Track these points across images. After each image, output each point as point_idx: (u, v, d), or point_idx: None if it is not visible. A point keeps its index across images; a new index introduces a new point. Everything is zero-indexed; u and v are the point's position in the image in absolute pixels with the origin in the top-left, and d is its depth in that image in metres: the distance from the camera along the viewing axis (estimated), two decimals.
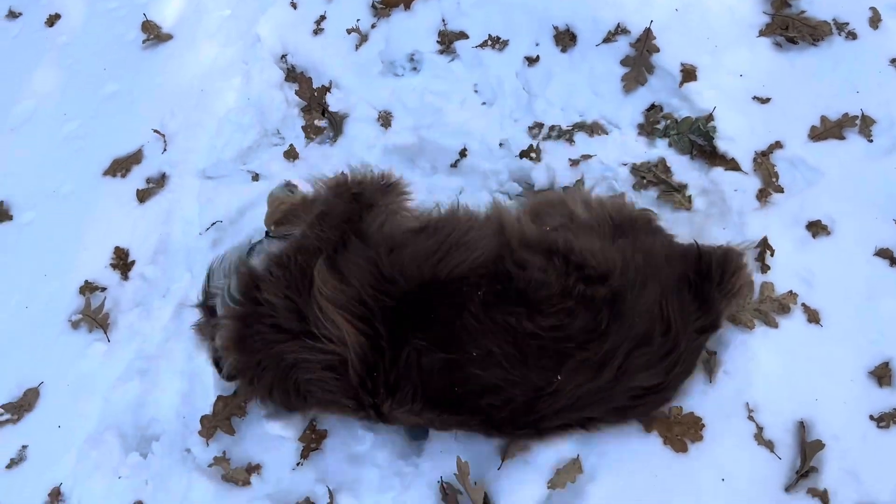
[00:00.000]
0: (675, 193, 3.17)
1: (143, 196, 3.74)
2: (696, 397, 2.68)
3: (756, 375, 2.71)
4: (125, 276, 3.48)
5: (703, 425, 2.62)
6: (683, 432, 2.62)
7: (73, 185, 3.86)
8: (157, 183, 3.77)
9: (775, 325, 2.76)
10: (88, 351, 3.26)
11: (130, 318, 3.35)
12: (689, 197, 3.16)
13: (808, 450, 2.57)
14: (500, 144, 3.51)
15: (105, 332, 3.30)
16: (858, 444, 2.56)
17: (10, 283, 3.60)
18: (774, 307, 2.79)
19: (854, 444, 2.56)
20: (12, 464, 3.04)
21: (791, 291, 2.82)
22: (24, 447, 3.07)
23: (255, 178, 3.74)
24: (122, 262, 3.51)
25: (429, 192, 3.47)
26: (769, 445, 2.61)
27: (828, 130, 3.14)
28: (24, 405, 3.16)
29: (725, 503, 2.53)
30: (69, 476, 2.97)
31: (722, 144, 3.24)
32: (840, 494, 2.49)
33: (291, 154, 3.80)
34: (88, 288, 3.44)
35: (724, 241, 2.84)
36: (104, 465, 2.96)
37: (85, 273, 3.50)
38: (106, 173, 3.85)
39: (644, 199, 3.19)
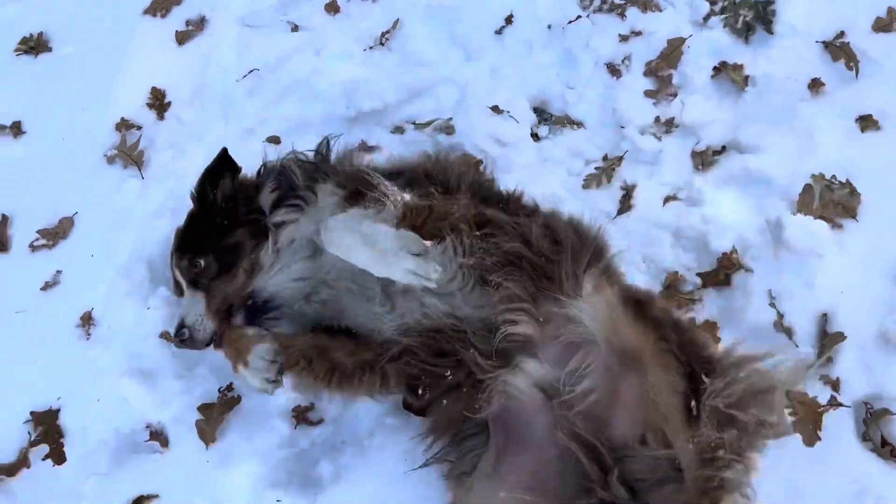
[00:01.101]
0: (731, 71, 3.09)
1: (181, 38, 3.70)
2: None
3: (782, 263, 2.70)
4: (161, 117, 3.49)
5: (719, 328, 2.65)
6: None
7: (113, 22, 3.81)
8: (196, 26, 3.72)
9: (840, 228, 2.73)
10: (123, 186, 3.31)
11: (164, 158, 3.37)
12: (746, 77, 3.07)
13: (828, 340, 2.58)
14: (549, 27, 3.42)
15: (139, 170, 3.33)
16: (876, 339, 2.57)
17: (47, 114, 3.61)
18: (838, 211, 2.75)
19: (871, 339, 2.57)
20: (47, 287, 3.14)
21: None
22: (59, 272, 3.16)
23: (295, 28, 3.67)
24: (159, 102, 3.51)
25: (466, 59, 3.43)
26: (788, 332, 2.62)
27: (894, 22, 3.00)
28: (59, 232, 3.23)
29: None
30: (100, 303, 3.06)
31: (780, 29, 3.12)
32: (852, 384, 2.52)
33: (332, 7, 3.71)
34: (125, 125, 3.45)
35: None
36: (134, 295, 3.05)
37: (121, 110, 3.51)
38: (146, 12, 3.80)
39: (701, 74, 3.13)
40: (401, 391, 2.47)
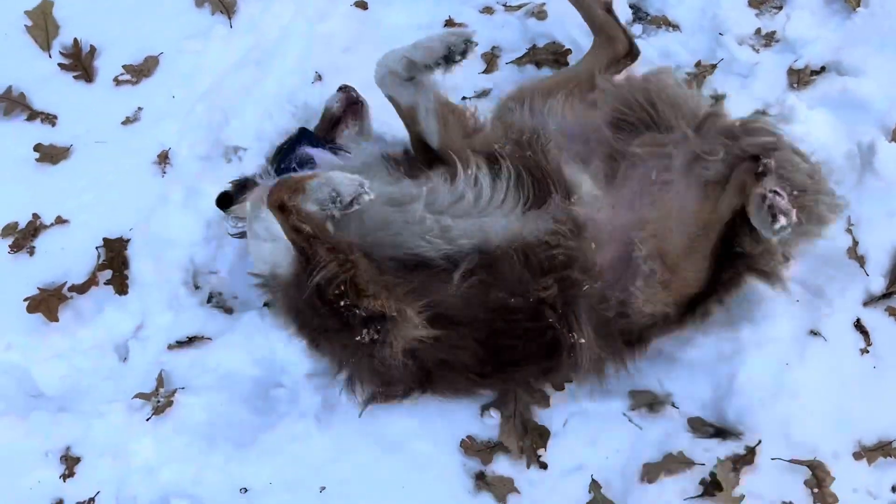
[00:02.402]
0: None
1: None
2: None
3: (866, 190, 2.64)
4: None
5: None
6: None
7: None
8: None
9: None
10: (211, 32, 3.31)
11: (253, 10, 3.36)
12: None
13: None
14: None
15: (229, 17, 3.33)
16: None
17: None
18: None
19: None
20: (127, 121, 3.19)
21: None
22: (140, 109, 3.21)
23: None
24: None
25: None
26: (860, 260, 2.58)
27: None
28: (143, 70, 3.26)
29: (800, 309, 2.56)
30: (178, 142, 3.12)
31: None
32: None
33: None
34: None
35: None
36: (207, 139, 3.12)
37: None
38: None
39: None
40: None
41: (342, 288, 2.14)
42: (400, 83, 2.39)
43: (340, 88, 2.99)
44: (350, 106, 2.94)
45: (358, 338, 2.20)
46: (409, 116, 2.46)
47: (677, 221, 2.31)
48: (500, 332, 2.31)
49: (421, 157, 2.47)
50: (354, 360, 2.36)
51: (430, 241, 2.27)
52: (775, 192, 2.13)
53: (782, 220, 2.09)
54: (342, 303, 2.16)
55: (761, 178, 2.19)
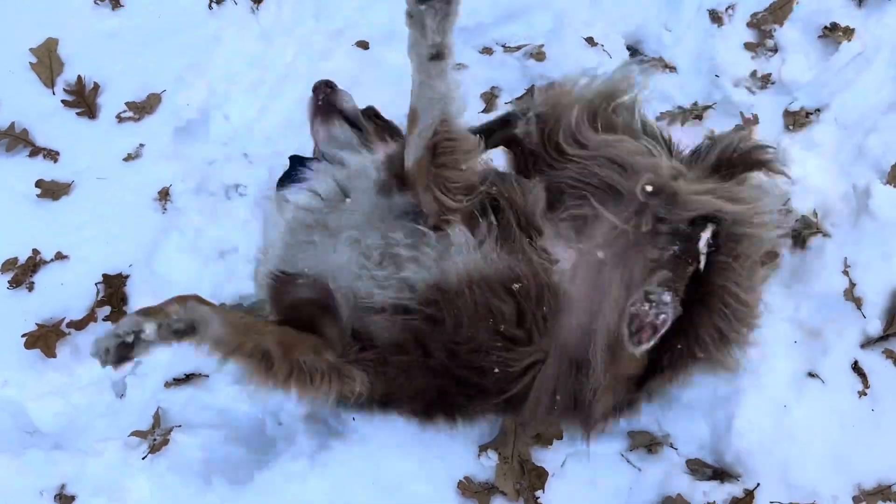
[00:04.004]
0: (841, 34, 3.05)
1: None
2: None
3: (862, 232, 2.66)
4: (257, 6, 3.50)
5: None
6: None
7: None
8: None
9: None
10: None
11: (256, 48, 3.41)
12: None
13: None
14: None
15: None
16: None
17: None
18: None
19: None
20: (129, 158, 3.21)
21: None
22: (142, 145, 3.23)
23: None
24: None
25: None
26: (857, 302, 2.59)
27: None
28: (146, 107, 3.29)
29: (797, 350, 2.58)
30: (178, 180, 3.14)
31: None
32: None
33: None
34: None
35: None
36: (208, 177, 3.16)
37: None
38: None
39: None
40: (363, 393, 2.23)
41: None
42: None
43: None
44: (317, 108, 2.66)
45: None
46: None
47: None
48: (454, 362, 2.20)
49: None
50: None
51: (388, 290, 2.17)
52: (649, 300, 2.00)
53: (642, 338, 1.98)
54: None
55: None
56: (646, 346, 1.99)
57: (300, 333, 2.22)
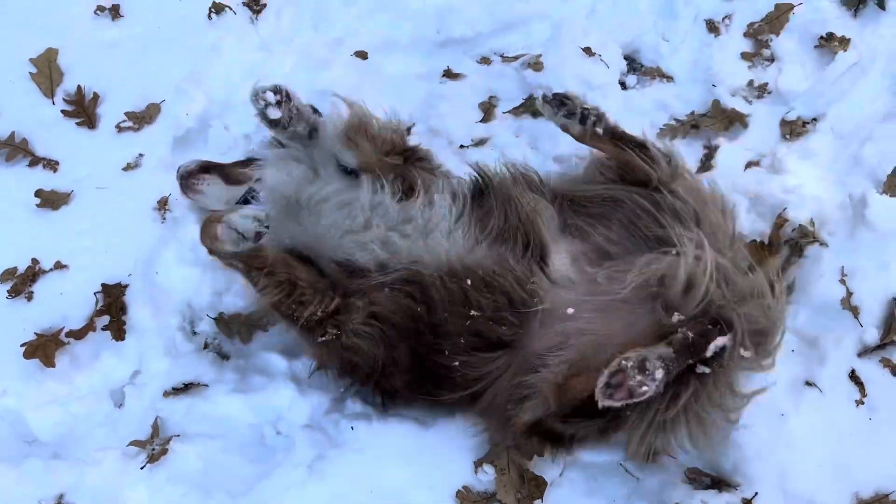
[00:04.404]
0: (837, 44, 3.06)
1: None
2: None
3: (859, 242, 2.67)
4: (255, 16, 3.52)
5: None
6: None
7: None
8: None
9: None
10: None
11: (255, 57, 3.43)
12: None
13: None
14: None
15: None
16: None
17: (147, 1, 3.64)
18: None
19: None
20: (129, 167, 3.22)
21: None
22: (141, 155, 3.24)
23: None
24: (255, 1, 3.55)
25: None
26: (854, 311, 2.60)
27: None
28: (145, 117, 3.30)
29: (795, 359, 2.58)
30: (178, 189, 3.13)
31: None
32: None
33: None
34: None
35: None
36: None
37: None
38: None
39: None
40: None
41: (291, 306, 2.33)
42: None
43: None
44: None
45: (321, 339, 2.36)
46: None
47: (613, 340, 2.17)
48: (430, 347, 2.34)
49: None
50: (330, 359, 2.54)
51: (370, 250, 2.35)
52: (643, 367, 1.98)
53: (615, 395, 1.98)
54: (295, 315, 2.34)
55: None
56: (610, 403, 1.98)
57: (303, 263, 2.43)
